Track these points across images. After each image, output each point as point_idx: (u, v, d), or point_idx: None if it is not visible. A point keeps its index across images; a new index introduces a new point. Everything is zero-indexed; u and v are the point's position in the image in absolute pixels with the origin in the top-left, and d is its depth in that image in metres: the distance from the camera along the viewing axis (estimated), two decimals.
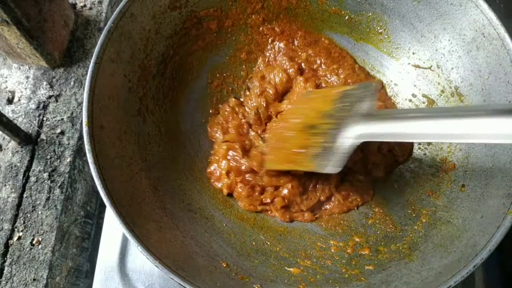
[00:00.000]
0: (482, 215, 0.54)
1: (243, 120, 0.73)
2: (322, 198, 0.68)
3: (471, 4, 0.61)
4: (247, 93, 0.76)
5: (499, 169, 0.57)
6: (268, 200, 0.68)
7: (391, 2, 0.70)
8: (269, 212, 0.68)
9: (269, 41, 0.78)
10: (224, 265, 0.58)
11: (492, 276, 0.70)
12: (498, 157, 0.58)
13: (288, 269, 0.60)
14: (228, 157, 0.70)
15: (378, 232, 0.65)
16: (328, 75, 0.75)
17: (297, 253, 0.64)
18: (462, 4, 0.62)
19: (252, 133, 0.73)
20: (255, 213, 0.69)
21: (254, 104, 0.74)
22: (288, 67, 0.75)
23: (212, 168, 0.71)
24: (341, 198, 0.69)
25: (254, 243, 0.64)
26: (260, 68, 0.77)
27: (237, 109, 0.74)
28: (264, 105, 0.73)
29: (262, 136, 0.73)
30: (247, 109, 0.74)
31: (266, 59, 0.78)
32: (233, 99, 0.75)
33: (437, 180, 0.66)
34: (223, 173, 0.69)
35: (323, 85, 0.75)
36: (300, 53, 0.77)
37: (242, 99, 0.77)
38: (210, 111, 0.76)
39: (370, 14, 0.74)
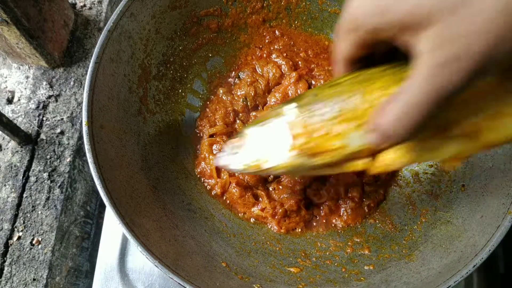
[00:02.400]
0: (482, 215, 0.54)
1: (229, 108, 0.73)
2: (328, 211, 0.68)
3: None
4: (237, 81, 0.76)
5: (499, 169, 0.57)
6: (265, 207, 0.67)
7: None
8: (265, 219, 0.67)
9: (267, 41, 0.78)
10: (224, 265, 0.58)
11: (491, 276, 0.70)
12: (498, 157, 0.58)
13: (288, 268, 0.60)
14: (214, 152, 0.69)
15: (377, 232, 0.65)
16: (322, 76, 0.75)
17: (297, 252, 0.64)
18: None
19: (238, 121, 0.73)
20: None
21: (243, 92, 0.74)
22: (283, 64, 0.75)
23: (201, 167, 0.70)
24: (353, 204, 0.67)
25: (254, 243, 0.64)
26: (254, 62, 0.77)
27: (224, 98, 0.74)
28: (252, 94, 0.73)
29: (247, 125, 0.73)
30: (235, 97, 0.74)
31: (258, 53, 0.78)
32: (222, 88, 0.75)
33: (437, 180, 0.66)
34: (212, 168, 0.69)
35: (314, 83, 0.75)
36: (298, 53, 0.78)
37: (232, 84, 0.77)
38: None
39: None
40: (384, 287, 0.55)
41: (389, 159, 0.44)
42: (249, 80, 0.75)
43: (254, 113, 0.74)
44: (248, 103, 0.73)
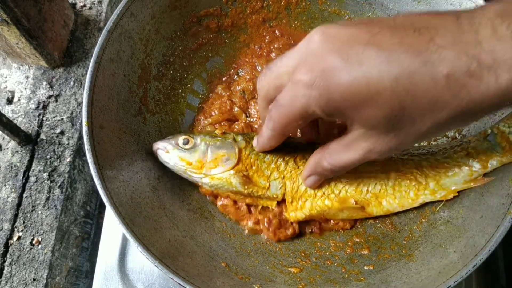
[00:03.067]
0: (482, 215, 0.54)
1: (225, 98, 0.73)
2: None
3: (471, 4, 0.61)
4: (236, 78, 0.76)
5: (498, 169, 0.57)
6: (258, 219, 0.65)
7: (391, 2, 0.70)
8: (260, 232, 0.65)
9: (267, 40, 0.78)
10: (224, 265, 0.58)
11: (491, 277, 0.70)
12: None
13: (288, 269, 0.60)
14: None
15: (377, 232, 0.65)
16: None
17: (296, 253, 0.64)
18: (462, 4, 0.62)
19: (237, 109, 0.73)
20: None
21: (241, 87, 0.74)
22: None
23: None
24: None
25: (253, 243, 0.64)
26: (253, 60, 0.77)
27: (223, 93, 0.74)
28: (251, 89, 0.73)
29: (246, 112, 0.73)
30: (233, 92, 0.74)
31: (258, 52, 0.78)
32: (220, 85, 0.75)
33: None
34: None
35: None
36: None
37: (231, 81, 0.76)
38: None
39: (370, 14, 0.74)
40: (384, 287, 0.55)
41: (296, 213, 0.62)
42: (248, 76, 0.75)
43: (254, 98, 0.73)
44: (246, 96, 0.73)
